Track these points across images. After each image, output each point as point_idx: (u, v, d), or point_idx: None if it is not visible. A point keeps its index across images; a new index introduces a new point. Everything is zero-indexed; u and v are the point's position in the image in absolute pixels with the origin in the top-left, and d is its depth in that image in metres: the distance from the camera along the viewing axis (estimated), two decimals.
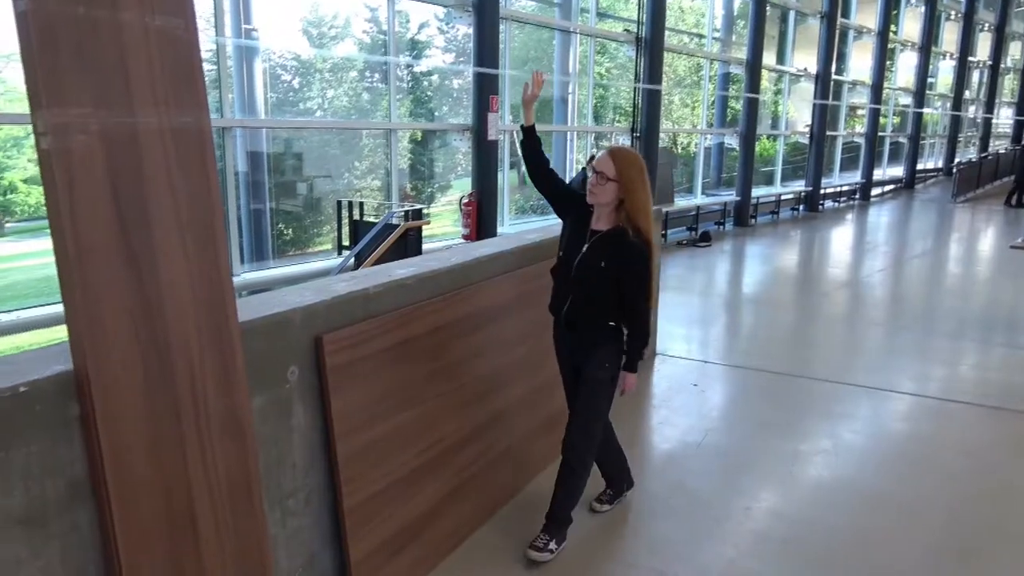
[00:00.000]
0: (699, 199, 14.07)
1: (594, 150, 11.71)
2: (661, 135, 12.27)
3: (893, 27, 20.45)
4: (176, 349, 1.80)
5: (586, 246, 2.84)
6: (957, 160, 24.70)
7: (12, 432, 1.59)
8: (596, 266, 2.80)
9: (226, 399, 1.92)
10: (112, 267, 1.67)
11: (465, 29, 9.82)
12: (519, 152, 3.05)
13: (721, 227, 13.80)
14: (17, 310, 5.90)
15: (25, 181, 11.12)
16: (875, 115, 19.96)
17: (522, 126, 3.00)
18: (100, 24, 1.66)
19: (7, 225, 11.28)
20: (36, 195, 11.33)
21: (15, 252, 11.60)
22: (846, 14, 18.17)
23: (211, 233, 1.87)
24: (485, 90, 8.93)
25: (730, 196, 14.59)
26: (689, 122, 16.03)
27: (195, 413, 1.85)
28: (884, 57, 19.86)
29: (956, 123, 26.38)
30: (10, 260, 11.09)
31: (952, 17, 24.63)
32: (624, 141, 12.00)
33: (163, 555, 1.80)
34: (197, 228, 1.84)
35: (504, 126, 9.68)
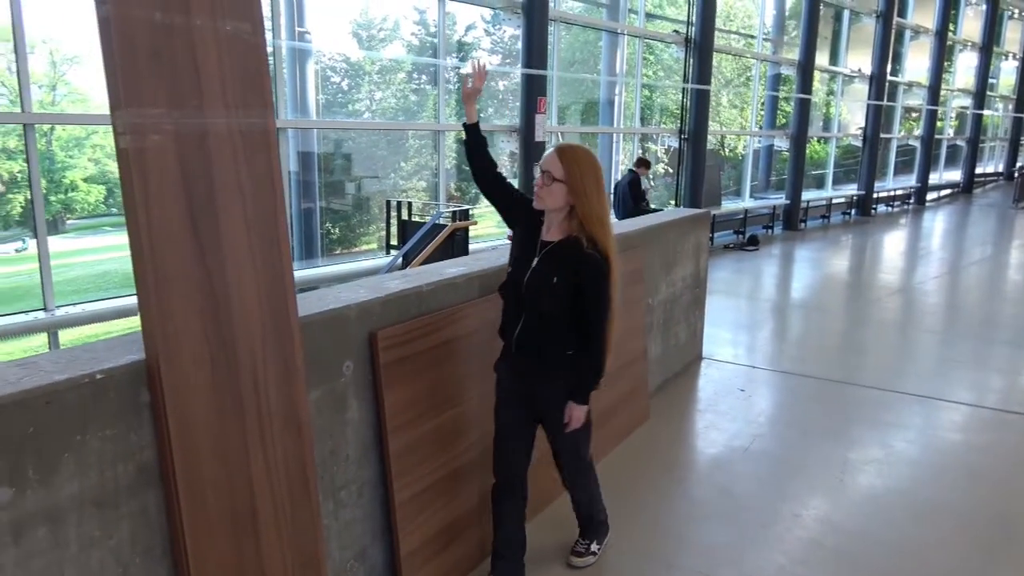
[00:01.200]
0: (747, 202, 13.88)
1: (640, 152, 11.64)
2: (709, 137, 12.14)
3: (952, 26, 19.85)
4: (241, 342, 1.86)
5: (536, 259, 2.47)
6: (1019, 164, 23.85)
7: (89, 417, 1.67)
8: (548, 282, 2.43)
9: (286, 392, 1.98)
10: (183, 263, 1.74)
11: (512, 31, 9.87)
12: (476, 165, 2.66)
13: (769, 231, 13.59)
14: (80, 303, 6.14)
15: (85, 180, 11.55)
16: (932, 117, 19.40)
17: (465, 124, 2.65)
18: (175, 29, 1.74)
19: (68, 222, 11.73)
20: (96, 193, 11.77)
21: (76, 248, 12.06)
22: (903, 13, 17.71)
23: (275, 230, 1.93)
24: (533, 91, 8.96)
25: (779, 199, 14.35)
26: (737, 124, 15.82)
27: (257, 405, 1.92)
28: (942, 57, 19.29)
29: (1019, 125, 25.48)
30: (71, 255, 11.52)
31: (1015, 16, 23.80)
32: (672, 143, 11.91)
33: (225, 539, 1.87)
34: (262, 225, 1.90)
35: (551, 127, 9.69)
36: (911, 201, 19.39)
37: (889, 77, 16.97)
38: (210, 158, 1.80)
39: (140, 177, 1.68)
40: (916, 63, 19.55)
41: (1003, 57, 24.05)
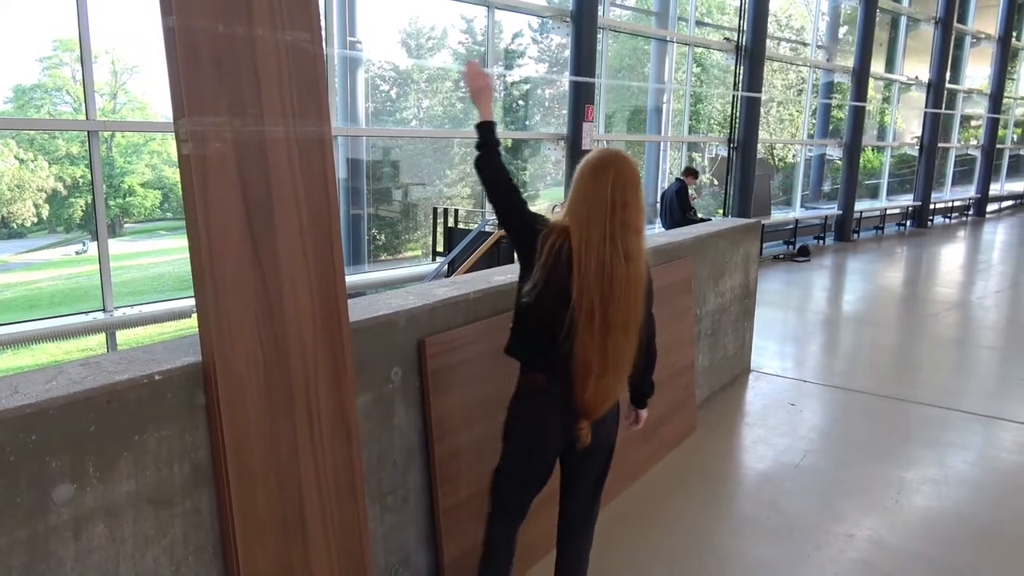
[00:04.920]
0: (797, 212, 13.60)
1: (688, 161, 11.50)
2: (758, 145, 11.95)
3: (1015, 32, 19.18)
4: (293, 347, 1.89)
5: None
6: None
7: (147, 417, 1.71)
8: None
9: (336, 396, 2.01)
10: (240, 267, 1.78)
11: (559, 39, 9.87)
12: (477, 163, 2.25)
13: (821, 242, 13.29)
14: (136, 305, 6.32)
15: (143, 185, 11.92)
16: (993, 126, 18.76)
17: (479, 125, 2.25)
18: (237, 39, 1.78)
19: (126, 225, 12.12)
20: (152, 198, 12.14)
21: (132, 251, 12.45)
22: (963, 19, 17.19)
23: (328, 237, 1.96)
24: (581, 99, 8.94)
25: (831, 209, 14.03)
26: (788, 132, 15.53)
27: (308, 409, 1.94)
28: (1005, 64, 18.65)
29: None
30: (127, 258, 11.90)
31: None
32: (720, 152, 11.76)
33: (274, 543, 1.89)
34: (316, 232, 1.93)
35: (599, 135, 9.65)
36: (970, 213, 18.76)
37: (948, 84, 16.47)
38: (267, 165, 1.84)
39: (200, 183, 1.72)
40: (977, 70, 18.94)
41: None
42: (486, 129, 2.24)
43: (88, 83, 5.49)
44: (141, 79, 10.70)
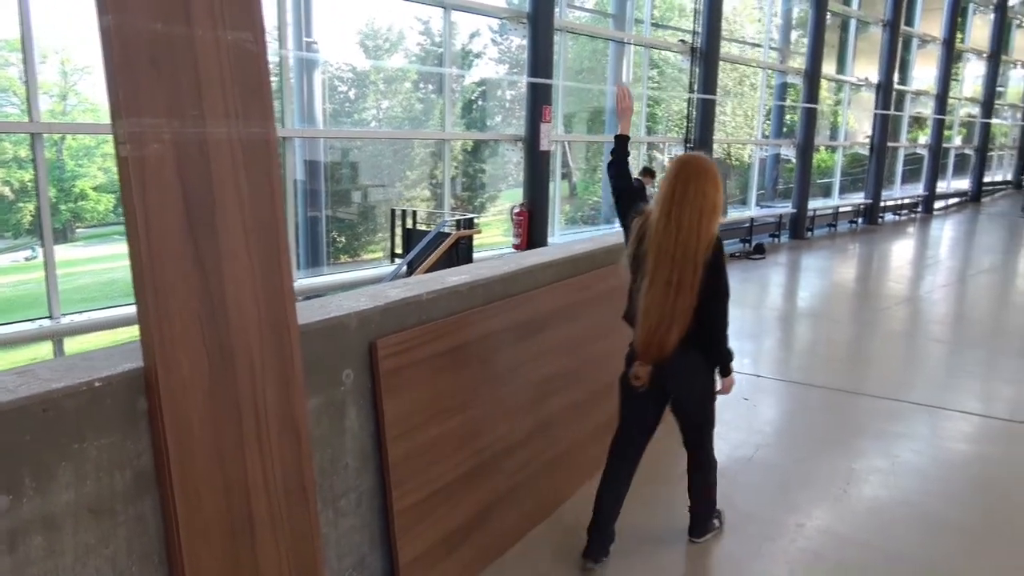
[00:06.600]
0: (753, 210, 13.85)
1: (648, 161, 11.64)
2: (715, 146, 12.14)
3: (960, 35, 19.81)
4: (239, 350, 1.86)
5: None
6: None
7: (86, 425, 1.67)
8: None
9: (284, 400, 1.98)
10: (181, 270, 1.75)
11: (519, 41, 9.91)
12: (609, 165, 3.00)
13: (776, 239, 13.56)
14: (87, 311, 6.17)
15: (95, 189, 11.62)
16: (939, 126, 19.35)
17: (617, 136, 2.98)
18: (175, 39, 1.75)
19: (78, 230, 11.80)
20: (105, 202, 11.84)
21: (85, 256, 12.12)
22: (910, 22, 17.70)
23: (274, 239, 1.94)
24: (538, 101, 8.98)
25: (786, 208, 14.32)
26: (744, 132, 15.81)
27: (255, 413, 1.92)
28: (950, 66, 19.26)
29: None
30: (80, 264, 11.58)
31: (1023, 24, 23.74)
32: (678, 152, 11.92)
33: (221, 548, 1.87)
34: (261, 234, 1.90)
35: (557, 136, 9.71)
36: (919, 210, 19.33)
37: (896, 86, 16.94)
38: (209, 167, 1.81)
39: (139, 185, 1.69)
40: (924, 72, 19.51)
41: (1011, 65, 23.97)
42: (622, 140, 2.97)
43: (32, 84, 5.34)
44: (92, 80, 10.43)
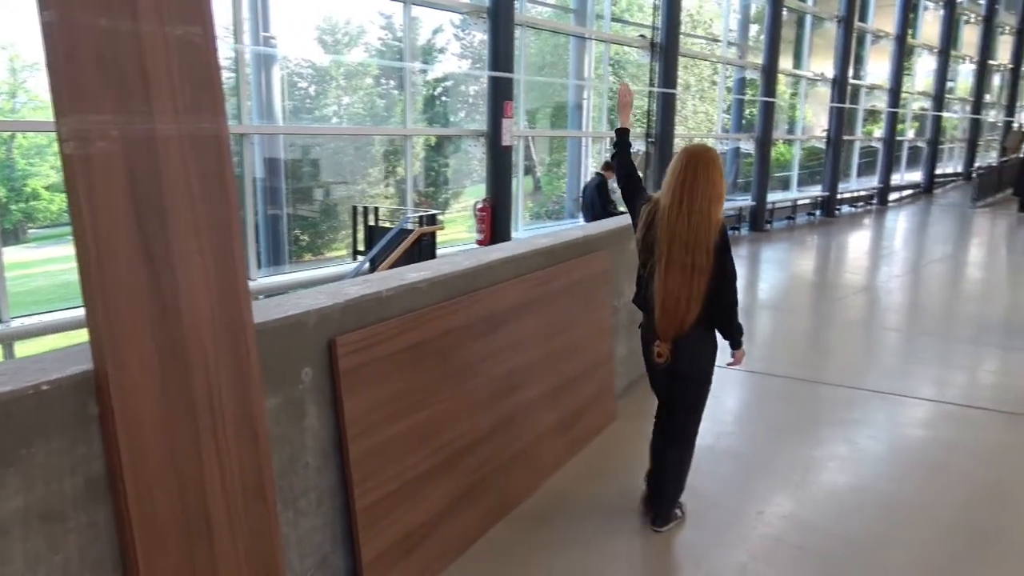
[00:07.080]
0: None
1: (607, 156, 11.70)
2: (676, 140, 12.27)
3: (911, 30, 20.30)
4: (192, 350, 1.83)
5: None
6: (977, 165, 24.45)
7: (34, 430, 1.63)
8: None
9: (241, 400, 1.96)
10: (131, 269, 1.72)
11: (481, 36, 9.89)
12: (617, 161, 3.22)
13: (736, 232, 13.75)
14: (40, 314, 6.00)
15: (47, 188, 11.30)
16: (893, 119, 19.82)
17: (618, 130, 3.20)
18: (121, 34, 1.71)
19: (30, 231, 11.47)
20: (58, 202, 11.52)
21: (38, 258, 11.79)
22: (863, 18, 18.08)
23: (227, 236, 1.91)
24: (500, 96, 8.98)
25: (745, 201, 14.54)
26: (704, 127, 16.00)
27: (210, 413, 1.89)
28: (902, 61, 19.73)
29: (976, 127, 26.12)
30: (33, 266, 11.26)
31: (971, 20, 24.41)
32: (639, 147, 12.01)
33: (177, 552, 1.84)
34: (214, 231, 1.88)
35: (519, 131, 9.71)
36: (874, 202, 19.78)
37: (851, 80, 17.30)
38: (158, 164, 1.78)
39: (85, 184, 1.65)
40: (877, 67, 19.96)
41: (960, 60, 24.65)
42: (623, 133, 3.22)
43: None
44: (42, 77, 10.12)
